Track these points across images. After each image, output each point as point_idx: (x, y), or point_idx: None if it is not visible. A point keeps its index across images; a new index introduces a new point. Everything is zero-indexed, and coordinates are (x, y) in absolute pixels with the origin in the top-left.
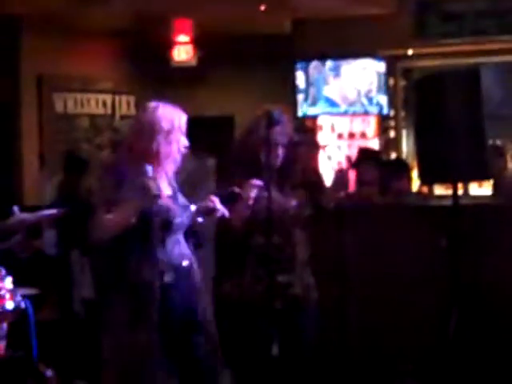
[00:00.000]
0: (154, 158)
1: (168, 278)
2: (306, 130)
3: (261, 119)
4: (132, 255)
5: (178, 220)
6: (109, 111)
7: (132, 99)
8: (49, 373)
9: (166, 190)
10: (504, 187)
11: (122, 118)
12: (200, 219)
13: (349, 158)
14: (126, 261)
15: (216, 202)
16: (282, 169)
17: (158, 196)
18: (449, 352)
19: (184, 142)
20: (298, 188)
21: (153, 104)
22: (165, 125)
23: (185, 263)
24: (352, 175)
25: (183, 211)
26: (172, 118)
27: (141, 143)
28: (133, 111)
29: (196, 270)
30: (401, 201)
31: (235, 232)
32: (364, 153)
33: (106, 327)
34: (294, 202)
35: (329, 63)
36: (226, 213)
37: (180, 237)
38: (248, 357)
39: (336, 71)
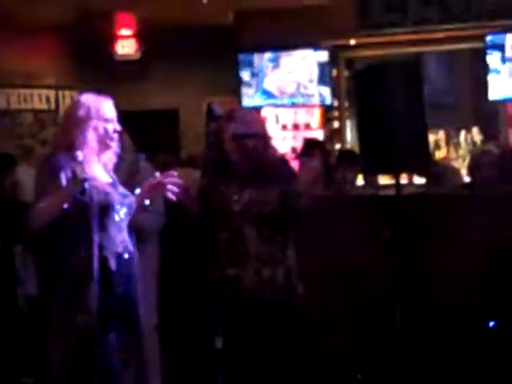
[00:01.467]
0: (84, 147)
1: (112, 264)
2: None
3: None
4: (70, 241)
5: (118, 205)
6: (52, 106)
7: (76, 94)
8: None
9: (104, 177)
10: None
11: None
12: (147, 202)
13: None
14: (64, 247)
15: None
16: (241, 163)
17: (85, 180)
18: (395, 344)
19: (111, 128)
20: (270, 181)
21: (81, 98)
22: (96, 114)
23: (126, 255)
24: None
25: (123, 198)
26: (103, 107)
27: (67, 134)
28: None
29: (136, 262)
30: (346, 191)
31: (193, 224)
32: (309, 144)
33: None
34: (245, 198)
35: (268, 55)
36: (175, 188)
37: (123, 225)
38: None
39: (276, 62)
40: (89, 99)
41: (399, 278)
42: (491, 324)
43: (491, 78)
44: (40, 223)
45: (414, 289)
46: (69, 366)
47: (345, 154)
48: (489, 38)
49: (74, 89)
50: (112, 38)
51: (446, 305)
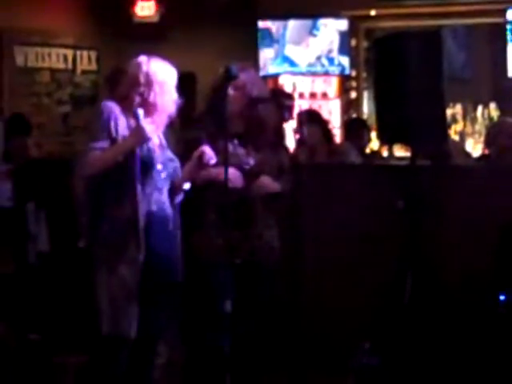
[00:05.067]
0: (147, 107)
1: (141, 222)
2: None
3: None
4: (112, 191)
5: (159, 166)
6: (70, 66)
7: (93, 54)
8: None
9: (155, 138)
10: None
11: (83, 72)
12: (187, 186)
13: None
14: (106, 196)
15: (208, 151)
16: (247, 125)
17: (150, 139)
18: (404, 316)
19: (176, 97)
20: (264, 150)
21: (146, 57)
22: (160, 76)
23: (160, 214)
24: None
25: (168, 162)
26: (166, 70)
27: (134, 93)
28: (94, 66)
29: (172, 220)
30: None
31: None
32: (307, 115)
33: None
34: (252, 161)
35: (290, 22)
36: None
37: (163, 186)
38: (202, 313)
39: (297, 31)
40: (164, 64)
41: (410, 248)
42: (502, 297)
43: (510, 54)
44: (94, 171)
45: (425, 260)
46: (114, 316)
47: (353, 121)
48: (509, 13)
49: (92, 49)
50: (131, 0)
51: (456, 277)
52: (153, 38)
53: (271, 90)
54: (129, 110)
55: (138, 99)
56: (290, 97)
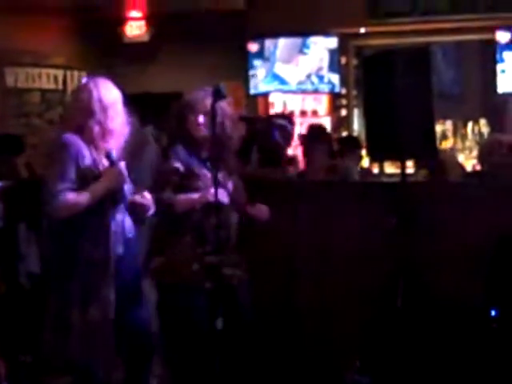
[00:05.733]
0: (105, 134)
1: (119, 249)
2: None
3: (202, 93)
4: (86, 231)
5: (124, 191)
6: (60, 86)
7: (84, 75)
8: None
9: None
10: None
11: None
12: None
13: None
14: (79, 238)
15: (147, 198)
16: (219, 148)
17: (127, 181)
18: (395, 333)
19: (126, 115)
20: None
21: (91, 81)
22: (110, 98)
23: (131, 235)
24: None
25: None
26: (113, 91)
27: (92, 122)
28: None
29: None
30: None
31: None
32: (316, 129)
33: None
34: (230, 185)
35: (281, 41)
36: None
37: (123, 208)
38: (189, 332)
39: (287, 49)
40: (105, 86)
41: (401, 264)
42: (493, 313)
43: (500, 71)
44: (69, 214)
45: (417, 276)
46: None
47: (347, 139)
48: (499, 34)
49: (82, 69)
50: (121, 20)
51: (448, 293)
52: (143, 57)
53: (266, 114)
54: (89, 141)
55: (97, 128)
56: (283, 117)
